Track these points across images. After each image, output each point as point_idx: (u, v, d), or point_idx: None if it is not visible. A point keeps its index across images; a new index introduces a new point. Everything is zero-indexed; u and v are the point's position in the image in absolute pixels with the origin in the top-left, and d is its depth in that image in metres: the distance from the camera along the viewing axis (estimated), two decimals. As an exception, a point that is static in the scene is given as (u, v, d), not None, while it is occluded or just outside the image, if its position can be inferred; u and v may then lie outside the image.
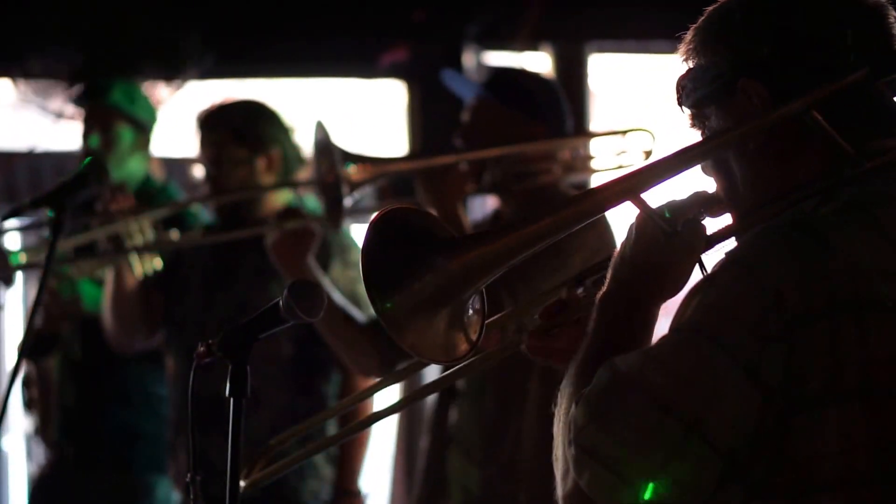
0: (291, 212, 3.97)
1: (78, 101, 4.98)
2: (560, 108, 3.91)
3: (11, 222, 4.26)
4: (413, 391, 2.42)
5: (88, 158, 4.50)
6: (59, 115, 6.05)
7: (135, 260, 4.29)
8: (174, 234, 4.32)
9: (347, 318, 3.93)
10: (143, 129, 4.84)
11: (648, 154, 3.95)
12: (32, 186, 6.06)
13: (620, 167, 3.97)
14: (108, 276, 4.37)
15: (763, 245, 1.82)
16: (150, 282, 4.37)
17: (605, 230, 3.59)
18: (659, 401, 1.73)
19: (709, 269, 1.90)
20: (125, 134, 4.79)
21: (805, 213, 1.87)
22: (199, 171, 4.46)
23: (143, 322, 4.42)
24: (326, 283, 3.97)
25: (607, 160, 3.96)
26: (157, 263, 4.35)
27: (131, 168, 4.79)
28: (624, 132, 3.97)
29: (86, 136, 4.82)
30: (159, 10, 5.91)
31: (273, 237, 3.93)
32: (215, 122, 4.31)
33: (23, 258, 4.20)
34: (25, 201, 3.67)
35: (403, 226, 1.88)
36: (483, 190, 3.88)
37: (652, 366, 1.76)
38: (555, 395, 1.94)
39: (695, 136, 2.02)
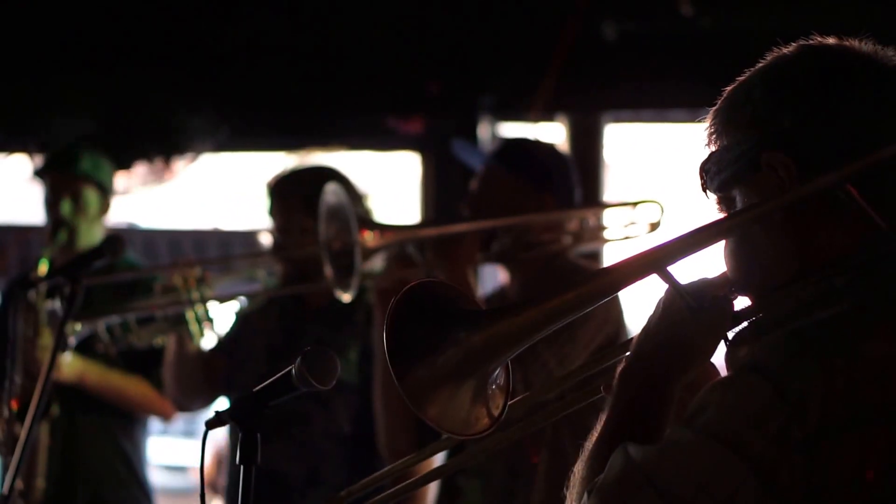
0: (404, 255, 3.85)
1: (43, 170, 4.99)
2: (569, 178, 3.89)
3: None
4: (444, 465, 2.38)
5: (62, 226, 4.60)
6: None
7: (195, 329, 4.23)
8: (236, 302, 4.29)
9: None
10: (106, 194, 4.89)
11: (655, 226, 3.92)
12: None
13: (628, 238, 3.95)
14: (170, 339, 4.32)
15: (787, 354, 1.76)
16: (214, 345, 4.30)
17: (613, 303, 3.55)
18: (672, 502, 1.71)
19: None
20: (93, 199, 4.84)
21: (832, 318, 1.79)
22: (265, 239, 4.38)
23: (204, 384, 4.33)
24: None
25: (616, 231, 3.94)
26: (220, 332, 4.27)
27: (95, 234, 4.83)
28: (634, 204, 3.94)
29: (53, 203, 4.84)
30: (175, 81, 5.95)
31: (380, 283, 3.84)
32: (286, 190, 4.24)
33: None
34: (41, 274, 3.66)
35: (428, 298, 1.86)
36: (491, 259, 3.86)
37: (667, 465, 1.73)
38: (567, 468, 1.92)
39: (713, 216, 1.95)
